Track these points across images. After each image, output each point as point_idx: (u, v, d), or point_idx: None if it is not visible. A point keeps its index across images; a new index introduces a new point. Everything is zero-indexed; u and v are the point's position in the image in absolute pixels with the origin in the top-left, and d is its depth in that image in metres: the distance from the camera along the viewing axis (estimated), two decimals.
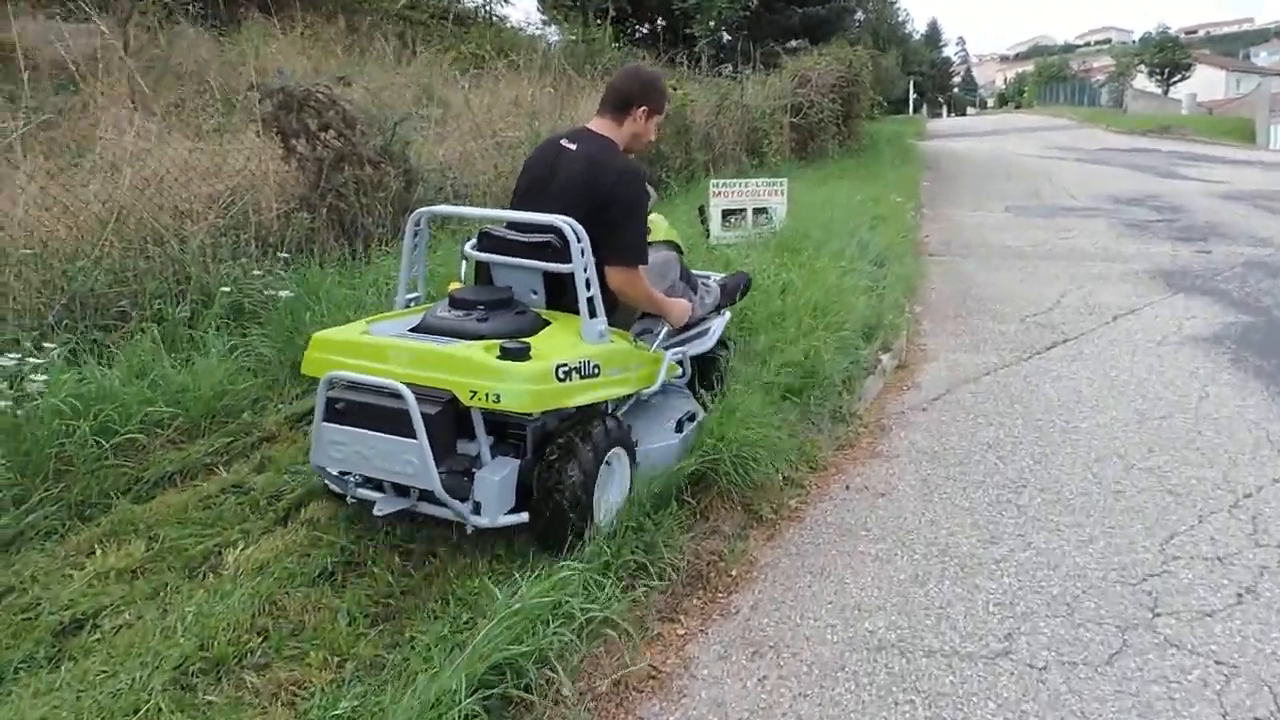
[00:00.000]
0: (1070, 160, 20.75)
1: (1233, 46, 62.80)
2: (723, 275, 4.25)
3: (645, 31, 23.74)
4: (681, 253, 3.86)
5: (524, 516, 2.70)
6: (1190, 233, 10.42)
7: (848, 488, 3.68)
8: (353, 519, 2.97)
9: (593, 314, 2.85)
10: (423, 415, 2.41)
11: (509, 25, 15.69)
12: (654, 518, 2.95)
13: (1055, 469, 3.85)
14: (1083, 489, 3.65)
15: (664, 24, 21.88)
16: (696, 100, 10.22)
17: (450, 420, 2.57)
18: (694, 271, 4.10)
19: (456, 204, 6.32)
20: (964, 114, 71.20)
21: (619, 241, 2.97)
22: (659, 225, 3.82)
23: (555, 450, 2.72)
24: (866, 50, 19.94)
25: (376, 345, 2.70)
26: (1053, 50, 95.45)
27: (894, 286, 6.26)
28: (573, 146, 3.11)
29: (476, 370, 2.50)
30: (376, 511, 2.72)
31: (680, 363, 3.44)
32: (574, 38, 16.28)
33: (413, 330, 2.83)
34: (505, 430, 2.84)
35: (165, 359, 3.85)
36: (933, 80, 73.36)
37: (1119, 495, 3.59)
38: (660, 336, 3.33)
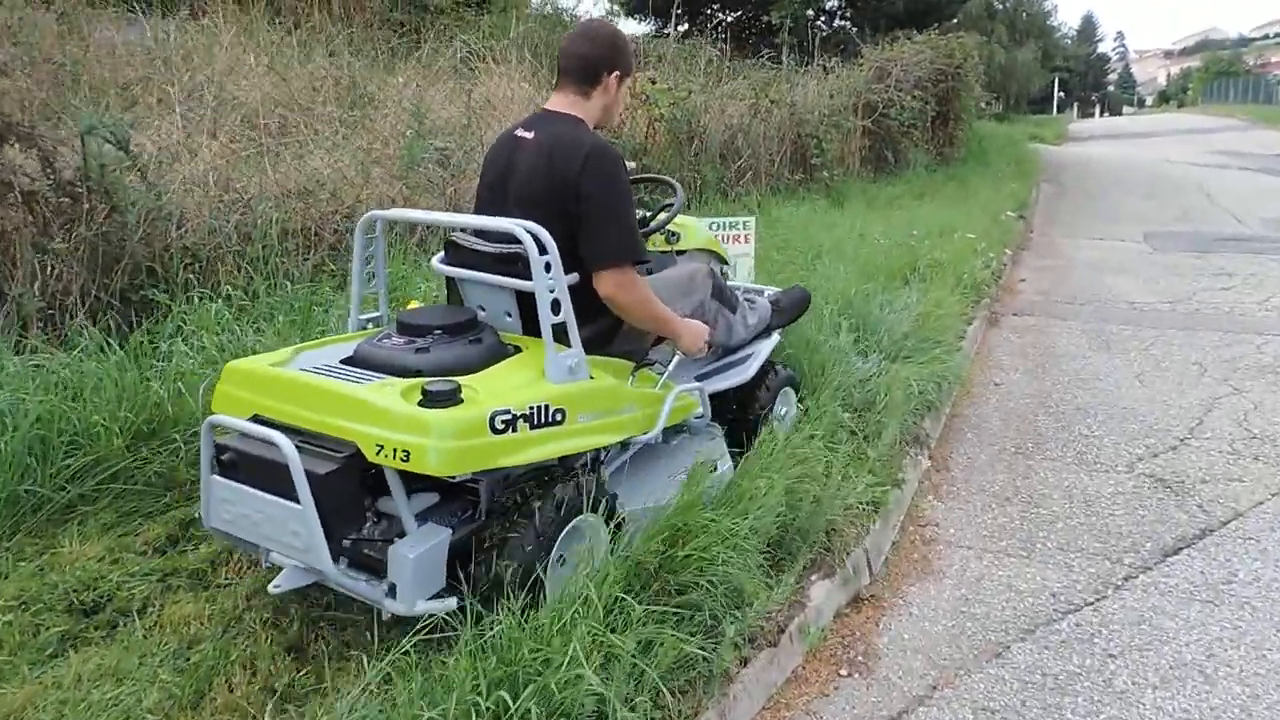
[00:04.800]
0: (1235, 169, 16.97)
1: None
2: (777, 290, 3.64)
3: (729, 21, 21.36)
4: (724, 263, 3.58)
5: (450, 604, 2.10)
6: None
7: None
8: None
9: (564, 343, 2.29)
10: (310, 475, 1.96)
11: (548, 11, 13.45)
12: None
13: None
14: None
15: (742, 14, 19.37)
16: (696, 97, 7.71)
17: (352, 480, 2.08)
18: (746, 285, 3.80)
19: (197, 255, 4.18)
20: (1119, 114, 66.16)
21: (600, 237, 2.41)
22: (692, 230, 3.46)
23: (505, 509, 2.21)
24: (980, 39, 16.86)
25: (283, 381, 2.22)
26: (1224, 44, 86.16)
27: (895, 412, 3.68)
28: (529, 135, 2.55)
29: (383, 418, 2.01)
30: (273, 588, 2.27)
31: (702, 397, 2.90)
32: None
33: (344, 361, 2.34)
34: (459, 484, 2.29)
35: None
36: (1082, 77, 68.74)
37: None
38: (671, 367, 2.72)
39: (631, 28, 22.46)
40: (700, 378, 3.17)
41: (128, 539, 2.76)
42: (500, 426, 2.09)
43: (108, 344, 3.49)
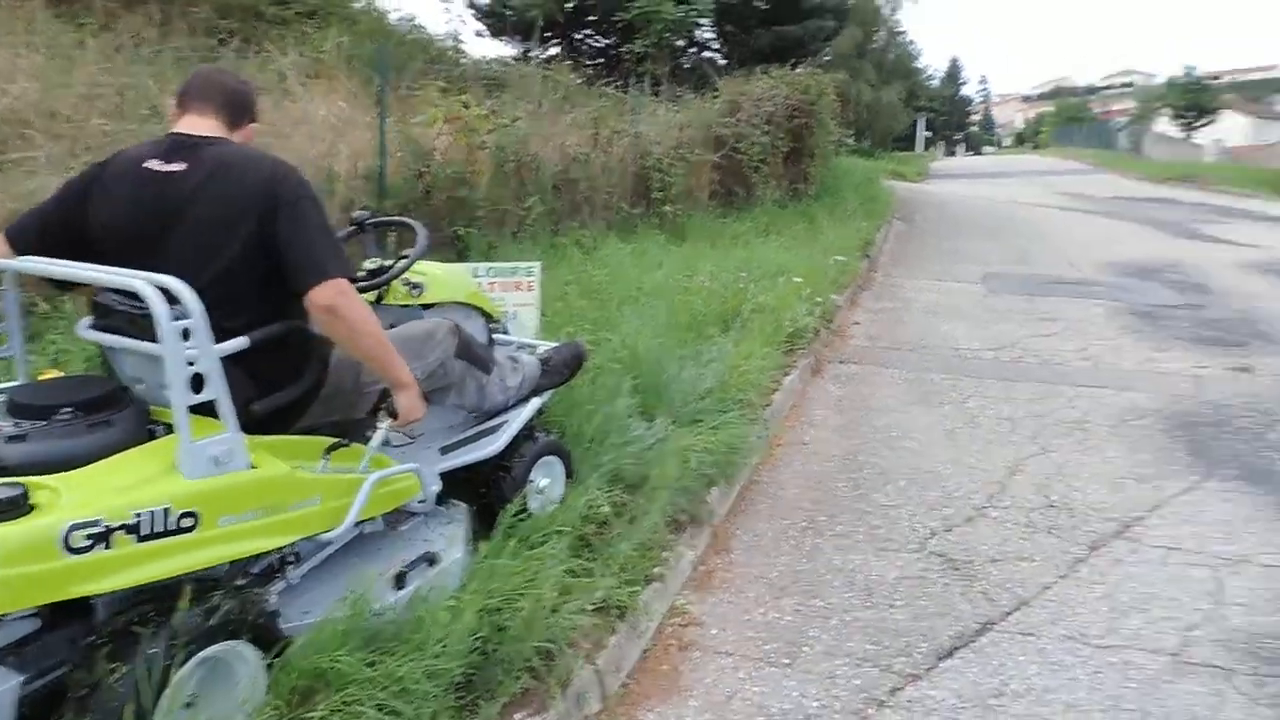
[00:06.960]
0: (1075, 211, 17.79)
1: (1258, 93, 59.58)
2: (548, 346, 3.33)
3: (600, 48, 21.18)
4: (493, 319, 3.19)
5: None
6: (1221, 329, 7.47)
7: None
8: None
9: (216, 420, 1.86)
10: None
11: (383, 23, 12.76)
12: None
13: None
14: None
15: (608, 42, 19.21)
16: (523, 124, 7.30)
17: None
18: (514, 338, 3.46)
19: None
20: (980, 153, 69.91)
21: (312, 248, 2.06)
22: (441, 280, 2.95)
23: (100, 643, 1.70)
24: (846, 77, 17.17)
25: None
26: (1075, 91, 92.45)
27: (658, 492, 3.29)
28: (175, 167, 2.07)
29: None
30: None
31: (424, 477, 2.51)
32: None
33: None
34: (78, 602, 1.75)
35: None
36: (947, 118, 72.23)
37: None
38: (375, 441, 2.25)
39: (497, 49, 22.00)
40: (447, 449, 2.86)
41: None
42: (82, 544, 1.65)
43: None
